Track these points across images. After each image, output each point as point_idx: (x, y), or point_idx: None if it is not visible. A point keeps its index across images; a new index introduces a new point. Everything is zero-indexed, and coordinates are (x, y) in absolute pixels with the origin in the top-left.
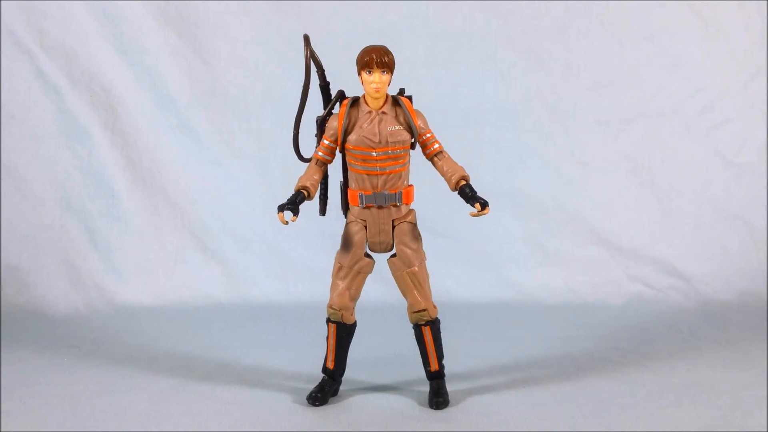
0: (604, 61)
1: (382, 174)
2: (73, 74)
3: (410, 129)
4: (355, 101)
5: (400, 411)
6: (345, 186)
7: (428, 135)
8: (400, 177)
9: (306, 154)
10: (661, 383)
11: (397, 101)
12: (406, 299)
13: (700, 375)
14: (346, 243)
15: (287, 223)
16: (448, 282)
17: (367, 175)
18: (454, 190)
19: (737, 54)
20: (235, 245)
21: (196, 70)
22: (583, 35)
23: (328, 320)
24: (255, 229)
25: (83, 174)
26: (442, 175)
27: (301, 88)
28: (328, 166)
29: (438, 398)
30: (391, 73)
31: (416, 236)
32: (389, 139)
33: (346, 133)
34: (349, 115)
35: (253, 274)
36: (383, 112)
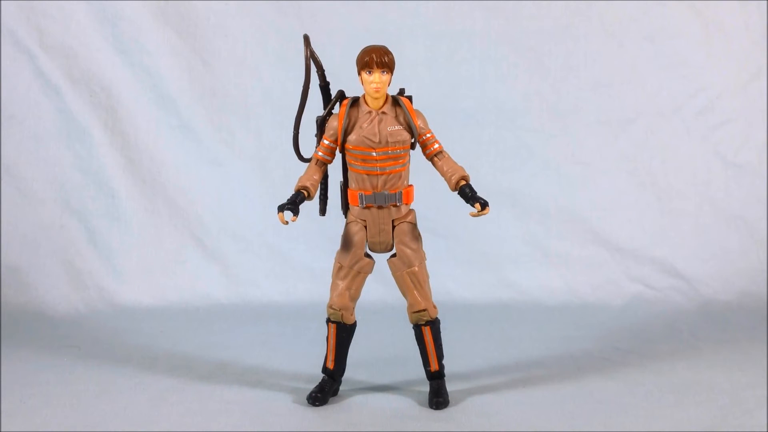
0: (604, 61)
1: (382, 174)
2: (73, 74)
3: (410, 129)
4: (355, 101)
5: (400, 411)
6: (345, 186)
7: (428, 135)
8: (400, 177)
9: (306, 154)
10: (661, 383)
11: (397, 101)
12: (406, 299)
13: (700, 375)
14: (346, 243)
15: (287, 223)
16: (448, 282)
17: (367, 175)
18: (454, 190)
19: (737, 54)
20: (235, 245)
21: (196, 70)
22: (583, 35)
23: (328, 320)
24: (255, 229)
25: (83, 174)
26: (442, 175)
27: (301, 88)
28: (328, 166)
29: (438, 398)
30: (391, 73)
31: (416, 236)
32: (389, 139)
33: (346, 133)
34: (349, 115)
35: (253, 275)
36: (383, 112)
